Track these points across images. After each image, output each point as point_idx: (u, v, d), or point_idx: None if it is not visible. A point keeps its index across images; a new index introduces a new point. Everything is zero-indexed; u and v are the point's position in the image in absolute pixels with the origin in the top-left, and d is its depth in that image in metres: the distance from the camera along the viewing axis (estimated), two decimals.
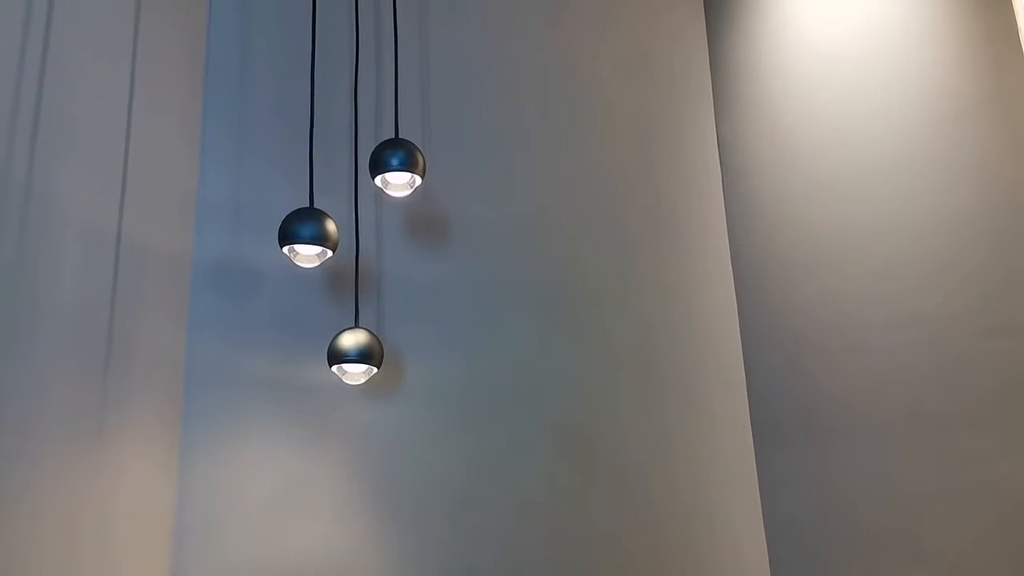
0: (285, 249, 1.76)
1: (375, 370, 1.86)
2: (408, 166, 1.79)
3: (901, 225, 2.31)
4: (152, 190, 1.92)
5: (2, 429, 1.44)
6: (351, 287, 1.99)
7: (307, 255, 1.79)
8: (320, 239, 1.73)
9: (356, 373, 1.87)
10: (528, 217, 2.24)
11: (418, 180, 1.84)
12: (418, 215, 2.15)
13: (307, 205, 1.78)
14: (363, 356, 1.81)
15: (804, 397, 2.43)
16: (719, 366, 2.38)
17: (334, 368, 1.86)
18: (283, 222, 1.75)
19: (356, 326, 1.87)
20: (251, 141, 2.15)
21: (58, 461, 1.57)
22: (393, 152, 1.80)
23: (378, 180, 1.85)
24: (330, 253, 1.78)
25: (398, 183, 1.86)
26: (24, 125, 1.53)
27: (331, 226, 1.75)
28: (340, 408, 2.00)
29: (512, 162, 2.28)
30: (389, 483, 1.97)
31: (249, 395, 1.99)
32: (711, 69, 2.78)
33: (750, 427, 2.39)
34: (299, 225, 1.72)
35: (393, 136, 1.87)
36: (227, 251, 2.08)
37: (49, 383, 1.57)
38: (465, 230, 2.18)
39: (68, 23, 1.67)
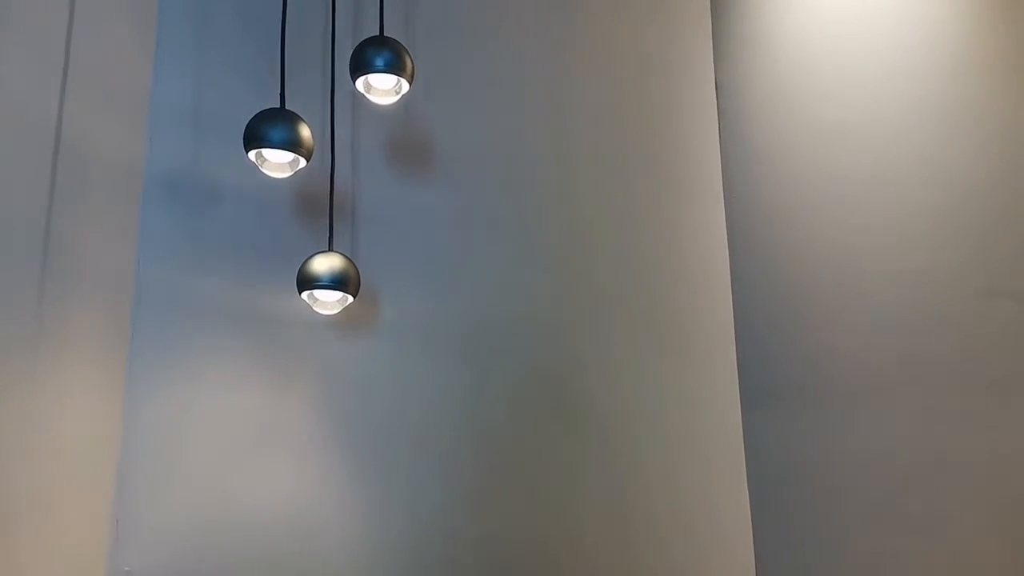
0: (251, 154, 1.55)
1: (350, 299, 1.68)
2: (395, 68, 1.58)
3: (904, 174, 2.19)
4: (97, 84, 1.68)
5: None
6: (323, 209, 1.79)
7: (277, 163, 1.58)
8: (292, 144, 1.52)
9: (330, 302, 1.68)
10: (515, 148, 2.05)
11: (405, 86, 1.64)
12: (398, 133, 1.95)
13: (278, 106, 1.56)
14: (337, 282, 1.62)
15: (793, 353, 2.31)
16: (708, 314, 2.24)
17: (304, 295, 1.66)
18: (250, 123, 1.53)
19: (330, 250, 1.68)
20: (212, 39, 1.92)
21: None
22: (378, 51, 1.58)
23: (359, 83, 1.63)
24: (303, 162, 1.57)
25: (383, 88, 1.65)
26: None
27: (305, 131, 1.54)
28: (308, 342, 1.81)
29: (503, 88, 2.08)
30: (356, 424, 1.80)
31: (206, 324, 1.79)
32: (711, 10, 2.62)
33: (737, 380, 2.27)
34: (269, 127, 1.51)
35: (378, 34, 1.65)
36: (184, 160, 1.86)
37: None
38: (448, 155, 1.98)
39: None
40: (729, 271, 2.39)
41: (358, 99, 1.72)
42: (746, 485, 2.18)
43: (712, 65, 2.60)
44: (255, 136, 1.51)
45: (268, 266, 1.82)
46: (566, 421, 1.93)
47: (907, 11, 2.18)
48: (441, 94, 1.97)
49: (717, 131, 2.55)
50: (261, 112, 1.54)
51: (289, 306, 1.76)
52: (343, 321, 1.81)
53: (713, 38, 2.62)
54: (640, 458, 1.95)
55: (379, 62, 1.58)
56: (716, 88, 2.60)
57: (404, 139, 1.97)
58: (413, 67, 1.62)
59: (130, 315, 1.75)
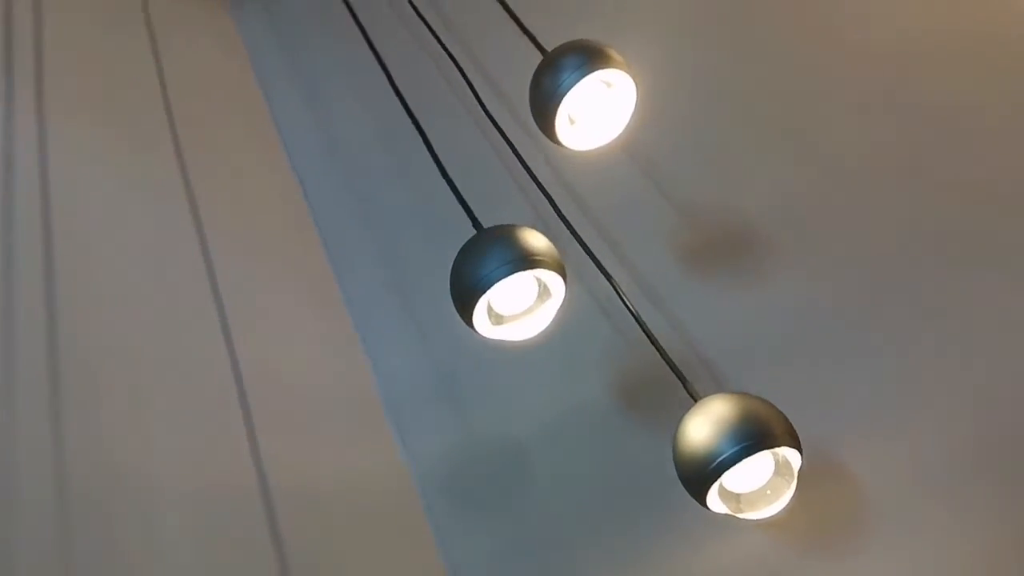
0: (478, 317, 0.83)
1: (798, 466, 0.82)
2: (596, 61, 0.89)
3: None
4: (321, 417, 1.14)
5: None
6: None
7: (519, 310, 0.84)
8: (527, 259, 0.80)
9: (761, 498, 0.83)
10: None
11: (628, 85, 0.92)
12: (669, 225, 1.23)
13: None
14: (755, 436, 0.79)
15: None
16: None
17: (713, 501, 0.83)
18: (453, 269, 0.83)
19: (693, 397, 0.87)
20: (406, 292, 1.39)
21: None
22: (561, 58, 0.90)
23: (561, 128, 0.93)
24: (559, 292, 0.83)
25: (597, 119, 0.93)
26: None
27: (537, 239, 0.83)
28: None
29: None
30: None
31: None
32: None
33: None
34: (477, 261, 0.81)
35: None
36: (452, 449, 1.21)
37: None
38: (757, 237, 1.20)
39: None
40: None
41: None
42: None
43: None
44: (468, 281, 0.81)
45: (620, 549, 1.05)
46: None
47: None
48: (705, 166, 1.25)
49: None
50: (459, 253, 0.85)
51: None
52: (799, 537, 0.99)
53: None
54: None
55: (568, 77, 0.89)
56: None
57: (684, 232, 1.25)
58: (619, 56, 0.91)
59: None
